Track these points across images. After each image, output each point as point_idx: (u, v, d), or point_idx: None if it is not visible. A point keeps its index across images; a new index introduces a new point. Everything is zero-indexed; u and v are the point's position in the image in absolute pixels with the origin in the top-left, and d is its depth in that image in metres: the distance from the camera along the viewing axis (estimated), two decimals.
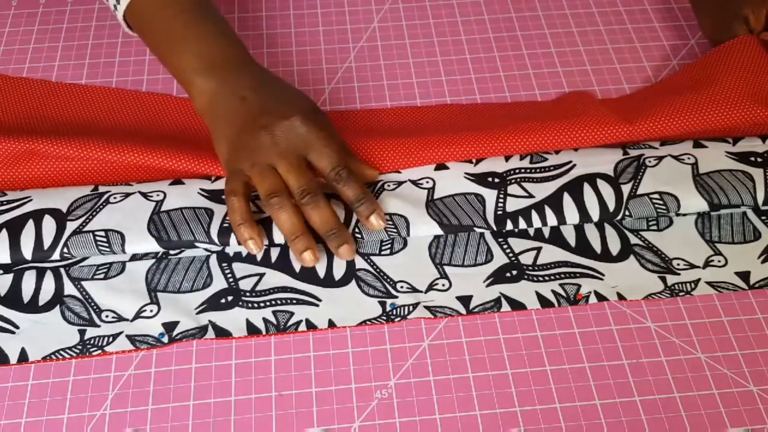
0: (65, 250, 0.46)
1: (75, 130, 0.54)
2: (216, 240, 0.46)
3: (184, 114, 0.56)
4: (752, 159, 0.50)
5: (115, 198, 0.48)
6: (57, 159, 0.50)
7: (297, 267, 0.48)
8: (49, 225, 0.46)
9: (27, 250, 0.45)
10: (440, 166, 0.51)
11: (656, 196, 0.48)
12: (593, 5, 0.66)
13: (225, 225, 0.46)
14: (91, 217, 0.47)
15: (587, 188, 0.48)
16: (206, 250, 0.48)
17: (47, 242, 0.46)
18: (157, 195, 0.48)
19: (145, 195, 0.48)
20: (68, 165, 0.51)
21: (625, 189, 0.48)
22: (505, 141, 0.50)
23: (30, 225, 0.46)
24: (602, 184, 0.48)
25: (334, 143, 0.46)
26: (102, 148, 0.49)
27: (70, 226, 0.46)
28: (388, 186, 0.49)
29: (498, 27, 0.64)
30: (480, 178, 0.50)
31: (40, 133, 0.51)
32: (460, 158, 0.50)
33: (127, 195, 0.48)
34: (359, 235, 0.47)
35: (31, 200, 0.48)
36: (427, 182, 0.50)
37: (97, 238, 0.46)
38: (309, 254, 0.45)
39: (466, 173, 0.50)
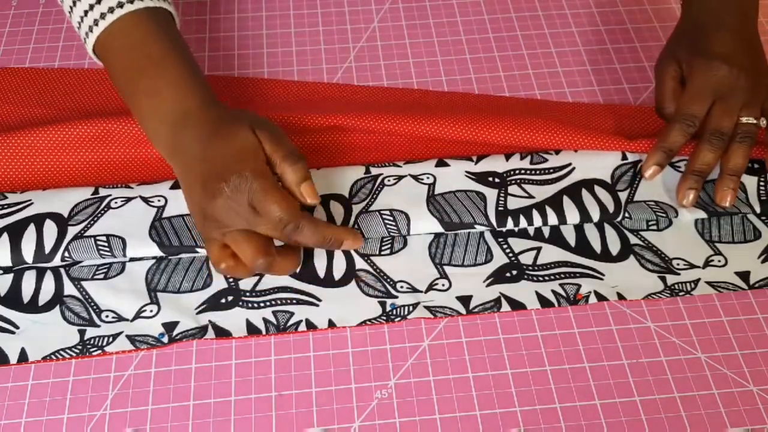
0: (66, 254, 0.46)
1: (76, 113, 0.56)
2: None
3: None
4: (749, 165, 0.50)
5: (116, 203, 0.48)
6: (57, 150, 0.51)
7: None
8: (50, 230, 0.47)
9: (28, 254, 0.46)
10: (441, 163, 0.51)
11: (653, 203, 0.48)
12: (593, 5, 0.66)
13: None
14: (92, 222, 0.47)
15: (585, 194, 0.49)
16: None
17: (48, 246, 0.46)
18: (158, 200, 0.49)
19: (146, 200, 0.49)
20: (67, 158, 0.51)
21: (623, 196, 0.49)
22: (508, 129, 0.51)
23: (31, 229, 0.46)
24: (600, 191, 0.49)
25: (278, 196, 0.42)
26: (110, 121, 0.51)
27: (71, 231, 0.47)
28: (389, 181, 0.50)
29: (498, 27, 0.64)
30: (480, 177, 0.50)
31: (39, 122, 0.52)
32: (461, 136, 0.51)
33: (128, 200, 0.49)
34: (359, 233, 0.47)
35: (31, 203, 0.48)
36: (428, 178, 0.50)
37: (99, 243, 0.46)
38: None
39: (467, 171, 0.50)
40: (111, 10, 0.45)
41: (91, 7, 0.46)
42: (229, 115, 0.45)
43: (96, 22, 0.46)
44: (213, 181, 0.42)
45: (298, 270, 0.47)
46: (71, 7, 0.47)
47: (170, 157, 0.45)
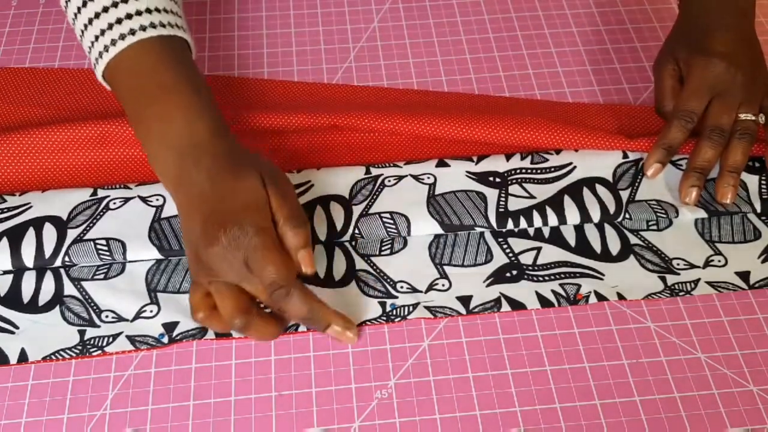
0: (66, 258, 0.46)
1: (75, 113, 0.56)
2: None
3: None
4: (750, 164, 0.50)
5: (114, 203, 0.48)
6: (56, 150, 0.51)
7: None
8: (49, 233, 0.47)
9: (28, 258, 0.46)
10: (441, 163, 0.51)
11: (654, 202, 0.48)
12: (593, 5, 0.66)
13: None
14: (91, 224, 0.47)
15: (587, 192, 0.49)
16: None
17: (48, 251, 0.46)
18: (157, 200, 0.49)
19: (144, 200, 0.49)
20: (66, 159, 0.51)
21: (624, 195, 0.49)
22: (509, 128, 0.51)
23: (30, 233, 0.47)
24: (601, 190, 0.49)
25: (276, 257, 0.41)
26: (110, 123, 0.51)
27: (71, 234, 0.47)
28: (389, 181, 0.50)
29: (498, 27, 0.64)
30: (481, 177, 0.50)
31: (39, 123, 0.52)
32: (462, 135, 0.51)
33: (127, 200, 0.49)
34: (359, 235, 0.47)
35: (31, 207, 0.48)
36: (429, 178, 0.50)
37: (98, 246, 0.46)
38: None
39: (467, 171, 0.50)
40: (123, 36, 0.44)
41: (103, 32, 0.45)
42: (242, 155, 0.43)
43: (107, 48, 0.45)
44: (213, 227, 0.40)
45: (273, 341, 0.44)
46: (82, 31, 0.46)
47: (175, 188, 0.43)
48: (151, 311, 0.46)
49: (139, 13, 0.45)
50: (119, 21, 0.44)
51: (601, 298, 0.46)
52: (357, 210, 0.48)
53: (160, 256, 0.46)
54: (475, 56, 0.61)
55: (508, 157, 0.51)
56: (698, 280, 0.47)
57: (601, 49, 0.62)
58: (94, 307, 0.46)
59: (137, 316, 0.45)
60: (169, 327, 0.45)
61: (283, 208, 0.42)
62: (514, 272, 0.47)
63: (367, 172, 0.51)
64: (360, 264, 0.48)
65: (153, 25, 0.45)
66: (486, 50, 0.62)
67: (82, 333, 0.45)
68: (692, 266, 0.48)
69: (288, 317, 0.42)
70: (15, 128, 0.52)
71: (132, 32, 0.44)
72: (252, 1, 0.66)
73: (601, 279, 0.47)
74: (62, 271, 0.47)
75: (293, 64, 0.61)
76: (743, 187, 0.49)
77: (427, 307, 0.46)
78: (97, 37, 0.45)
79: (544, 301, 0.46)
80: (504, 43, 0.62)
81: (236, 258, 0.40)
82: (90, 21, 0.45)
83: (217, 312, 0.42)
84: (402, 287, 0.47)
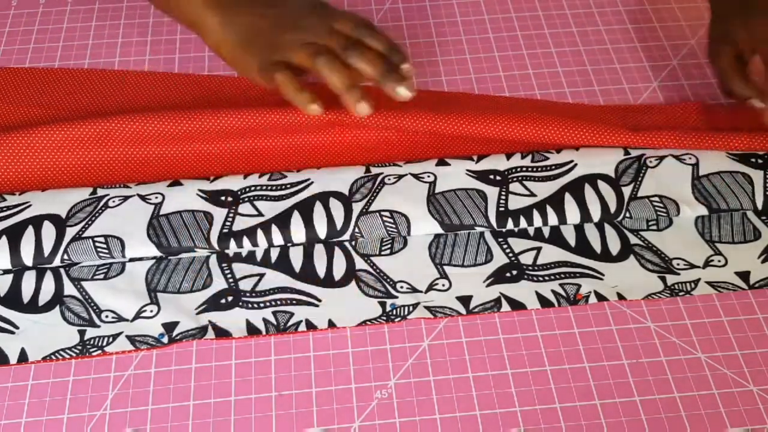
0: (65, 256, 0.46)
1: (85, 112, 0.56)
2: (216, 247, 0.46)
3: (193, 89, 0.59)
4: (753, 160, 0.50)
5: (113, 201, 0.48)
6: (55, 150, 0.51)
7: (297, 267, 0.48)
8: (48, 231, 0.47)
9: (27, 257, 0.46)
10: (442, 162, 0.51)
11: (656, 199, 0.48)
12: (593, 5, 0.66)
13: (224, 231, 0.46)
14: (90, 222, 0.47)
15: (588, 189, 0.49)
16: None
17: (47, 249, 0.46)
18: (156, 197, 0.49)
19: (143, 198, 0.49)
20: (66, 158, 0.51)
21: (626, 191, 0.48)
22: (510, 123, 0.51)
23: (30, 231, 0.47)
24: (603, 186, 0.49)
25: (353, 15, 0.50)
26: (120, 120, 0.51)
27: (70, 232, 0.47)
28: (389, 180, 0.50)
29: (498, 27, 0.64)
30: (482, 176, 0.50)
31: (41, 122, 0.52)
32: (462, 130, 0.51)
33: (126, 198, 0.49)
34: (359, 234, 0.47)
35: (30, 206, 0.48)
36: (429, 176, 0.50)
37: (97, 244, 0.46)
38: (364, 105, 0.47)
39: (467, 170, 0.50)
40: None
41: None
42: None
43: None
44: (291, 14, 0.48)
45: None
46: None
47: (225, 27, 0.49)
48: (151, 311, 0.46)
49: None
50: None
51: (601, 298, 0.46)
52: (357, 207, 0.48)
53: (158, 253, 0.46)
54: (475, 56, 0.61)
55: (509, 156, 0.51)
56: (698, 280, 0.47)
57: (601, 49, 0.62)
58: (94, 307, 0.46)
59: (137, 316, 0.46)
60: (169, 327, 0.45)
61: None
62: (514, 272, 0.47)
63: (367, 170, 0.51)
64: (360, 264, 0.48)
65: None
66: (486, 50, 0.62)
67: (82, 333, 0.45)
68: (692, 266, 0.48)
69: (368, 54, 0.48)
70: (15, 128, 0.52)
71: None
72: None
73: (601, 279, 0.47)
74: (62, 271, 0.47)
75: None
76: (748, 181, 0.49)
77: (427, 307, 0.46)
78: None
79: (544, 301, 0.46)
80: (504, 43, 0.62)
81: (322, 18, 0.49)
82: None
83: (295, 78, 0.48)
84: (402, 287, 0.47)
